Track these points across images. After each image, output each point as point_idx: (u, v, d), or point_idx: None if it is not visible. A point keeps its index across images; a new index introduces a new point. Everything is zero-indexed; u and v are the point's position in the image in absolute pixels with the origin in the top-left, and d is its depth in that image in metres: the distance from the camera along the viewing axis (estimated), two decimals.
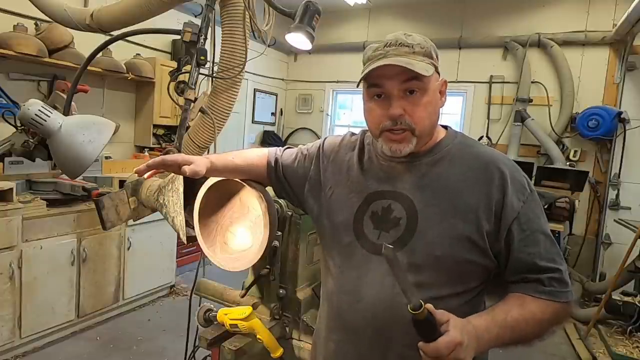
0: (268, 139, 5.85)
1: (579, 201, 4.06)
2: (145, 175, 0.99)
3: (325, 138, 1.14)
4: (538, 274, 0.88)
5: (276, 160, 1.14)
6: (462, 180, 0.91)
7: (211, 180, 1.13)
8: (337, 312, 1.01)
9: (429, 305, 0.72)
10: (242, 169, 1.12)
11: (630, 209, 4.14)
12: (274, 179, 1.15)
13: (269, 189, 1.18)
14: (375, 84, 0.91)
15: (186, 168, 0.93)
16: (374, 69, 0.87)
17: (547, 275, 0.88)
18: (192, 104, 1.83)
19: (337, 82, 5.81)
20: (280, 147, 1.19)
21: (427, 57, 0.90)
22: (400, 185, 0.95)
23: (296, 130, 6.19)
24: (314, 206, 1.08)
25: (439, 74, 0.94)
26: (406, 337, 0.90)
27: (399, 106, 0.88)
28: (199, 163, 0.97)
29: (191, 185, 1.15)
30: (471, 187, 0.90)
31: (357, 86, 0.95)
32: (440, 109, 0.96)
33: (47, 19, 2.37)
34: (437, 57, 0.93)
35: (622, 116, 4.02)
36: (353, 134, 1.12)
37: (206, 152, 2.15)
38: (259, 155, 1.16)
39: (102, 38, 2.21)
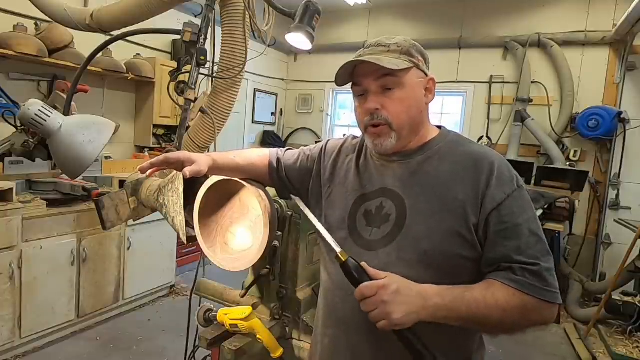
0: (268, 139, 5.84)
1: (579, 201, 4.05)
2: (148, 172, 1.01)
3: (328, 140, 1.18)
4: (511, 264, 0.86)
5: (278, 160, 1.17)
6: (452, 177, 0.93)
7: (211, 180, 1.13)
8: (331, 308, 1.03)
9: (361, 262, 0.86)
10: (243, 168, 1.14)
11: (630, 209, 4.14)
12: (276, 179, 1.17)
13: (271, 190, 1.19)
14: (355, 83, 0.97)
15: (187, 170, 0.96)
16: (344, 68, 0.94)
17: (519, 265, 0.85)
18: (192, 104, 1.83)
19: None
20: (282, 148, 1.22)
21: (404, 54, 0.94)
22: (391, 182, 0.98)
23: (296, 130, 6.19)
24: (316, 206, 1.10)
25: (424, 72, 0.97)
26: None
27: (374, 101, 0.94)
28: (201, 162, 0.99)
29: (191, 185, 1.15)
30: (460, 183, 0.91)
31: (338, 85, 1.00)
32: (426, 105, 0.98)
33: (47, 19, 2.37)
34: (422, 56, 0.97)
35: (622, 116, 4.02)
36: (355, 137, 1.14)
37: (206, 152, 2.15)
38: (260, 156, 1.18)
39: (102, 38, 2.21)
